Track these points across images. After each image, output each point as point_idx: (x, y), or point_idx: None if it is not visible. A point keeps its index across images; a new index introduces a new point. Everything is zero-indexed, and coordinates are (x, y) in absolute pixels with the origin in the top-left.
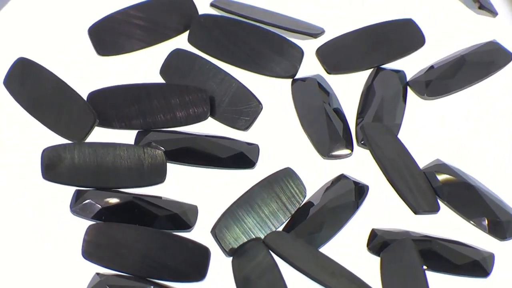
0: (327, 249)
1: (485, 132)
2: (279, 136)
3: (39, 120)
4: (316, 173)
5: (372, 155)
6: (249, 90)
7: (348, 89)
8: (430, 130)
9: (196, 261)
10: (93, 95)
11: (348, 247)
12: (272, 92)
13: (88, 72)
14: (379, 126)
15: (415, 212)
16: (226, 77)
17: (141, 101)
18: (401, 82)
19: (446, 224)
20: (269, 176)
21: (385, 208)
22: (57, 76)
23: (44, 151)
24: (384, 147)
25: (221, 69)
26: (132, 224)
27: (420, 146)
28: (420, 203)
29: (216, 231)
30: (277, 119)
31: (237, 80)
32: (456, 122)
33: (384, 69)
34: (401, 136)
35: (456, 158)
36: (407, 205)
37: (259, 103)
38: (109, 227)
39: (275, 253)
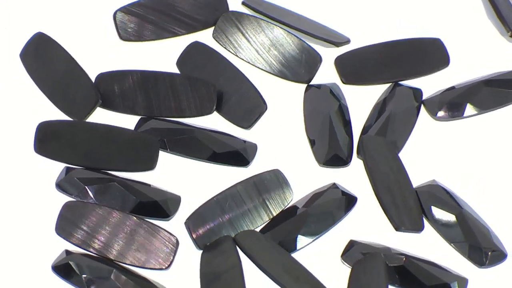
0: (302, 254)
1: (491, 162)
2: (281, 138)
3: (46, 95)
4: (310, 179)
5: (365, 167)
6: (257, 91)
7: (362, 100)
8: (436, 151)
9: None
10: (101, 76)
11: (324, 255)
12: (285, 95)
13: (105, 55)
14: (378, 140)
15: (396, 229)
16: (238, 75)
17: (148, 87)
18: (416, 99)
19: (431, 245)
20: (255, 175)
21: (371, 222)
22: (69, 55)
23: (39, 124)
24: (379, 161)
25: (235, 67)
26: (108, 207)
27: (422, 165)
28: (403, 220)
29: (190, 223)
30: (282, 122)
31: (248, 80)
32: (464, 147)
33: (401, 85)
34: (405, 153)
35: (456, 182)
36: (389, 220)
37: (264, 103)
38: (84, 206)
39: (243, 251)
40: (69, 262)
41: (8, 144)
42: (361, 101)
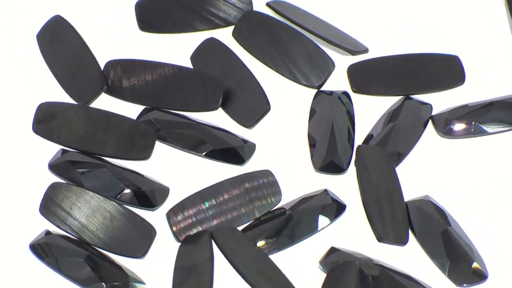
0: (281, 256)
1: (492, 185)
2: (282, 140)
3: (55, 77)
4: (304, 183)
5: (356, 176)
6: (262, 91)
7: (371, 110)
8: (437, 167)
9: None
10: (110, 63)
11: (303, 259)
12: (294, 99)
13: (123, 43)
14: (376, 151)
15: (379, 239)
16: (247, 75)
17: (155, 78)
18: (424, 114)
19: (415, 259)
20: (245, 173)
21: (358, 231)
22: (82, 40)
23: (40, 105)
24: (372, 171)
25: (245, 67)
26: (92, 193)
27: (421, 179)
28: (387, 232)
29: (171, 215)
30: (287, 125)
31: (256, 80)
32: (467, 166)
33: (411, 99)
34: (406, 166)
35: (451, 200)
36: (373, 231)
37: (268, 104)
38: (69, 189)
39: (219, 248)
40: (46, 242)
41: (11, 122)
42: (370, 111)
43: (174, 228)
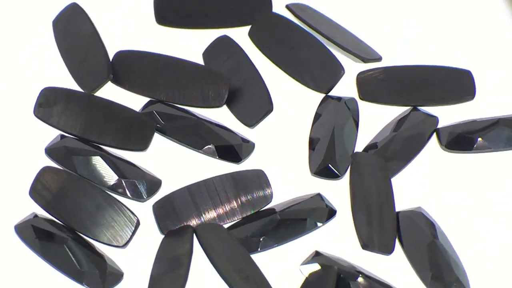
0: (265, 256)
1: (489, 202)
2: (283, 142)
3: (65, 64)
4: (299, 186)
5: (349, 182)
6: (267, 92)
7: (378, 119)
8: (435, 180)
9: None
10: (120, 54)
11: (286, 261)
12: (301, 102)
13: (137, 35)
14: (372, 158)
15: (362, 247)
16: (254, 75)
17: (163, 71)
18: (429, 127)
19: (401, 269)
20: (237, 171)
21: (347, 237)
22: (94, 29)
23: (43, 89)
24: (365, 178)
25: (255, 68)
26: (86, 180)
27: (417, 190)
28: (372, 239)
29: (156, 208)
30: (290, 127)
31: (262, 81)
32: (466, 181)
33: (418, 110)
34: (404, 175)
35: (445, 214)
36: (358, 237)
37: (271, 104)
38: (60, 174)
39: (200, 243)
40: (30, 224)
41: (15, 104)
42: (377, 119)
43: (159, 221)
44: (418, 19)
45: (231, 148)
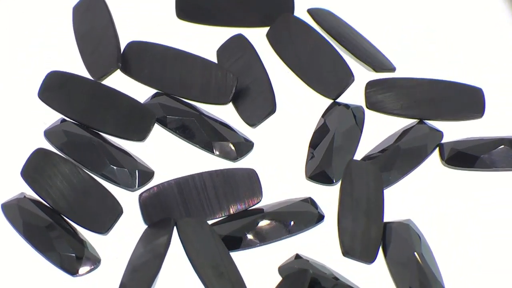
0: (245, 255)
1: (483, 222)
2: (284, 144)
3: (79, 50)
4: (292, 189)
5: (340, 189)
6: (272, 93)
7: (384, 129)
8: (431, 194)
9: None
10: (132, 44)
11: (266, 261)
12: (308, 106)
13: (155, 28)
14: (367, 167)
15: (343, 253)
16: (262, 76)
17: (172, 64)
18: (432, 141)
19: (381, 280)
20: (228, 168)
21: (332, 243)
22: (110, 17)
23: (49, 73)
24: (356, 186)
25: (264, 68)
26: (77, 165)
27: (411, 203)
28: (353, 247)
29: (142, 198)
30: (293, 129)
31: (269, 83)
32: (462, 198)
33: (424, 123)
34: (399, 187)
35: (435, 229)
36: (340, 244)
37: (274, 106)
38: (52, 157)
39: (179, 237)
40: (16, 204)
41: (25, 85)
42: (382, 129)
43: (144, 211)
44: (437, 32)
45: (228, 146)
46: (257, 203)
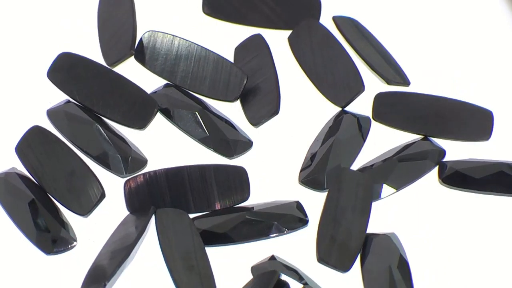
0: (220, 252)
1: (471, 245)
2: (284, 146)
3: (98, 35)
4: (284, 192)
5: (326, 195)
6: (278, 95)
7: (389, 142)
8: (422, 211)
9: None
10: (148, 34)
11: (241, 260)
12: (316, 111)
13: (179, 21)
14: (357, 176)
15: (318, 259)
16: (271, 77)
17: (185, 58)
18: (432, 157)
19: None
20: (218, 164)
21: (312, 248)
22: (132, 6)
23: (60, 53)
24: (343, 194)
25: (275, 70)
26: (70, 147)
27: (402, 218)
28: (330, 254)
29: (126, 184)
30: (296, 133)
31: (277, 84)
32: (454, 219)
33: (428, 140)
34: (390, 201)
35: (425, 246)
36: (316, 249)
37: (277, 107)
38: (47, 136)
39: (156, 227)
40: (2, 178)
41: (41, 63)
42: (388, 141)
43: (127, 198)
44: (460, 51)
45: (226, 143)
46: (243, 201)
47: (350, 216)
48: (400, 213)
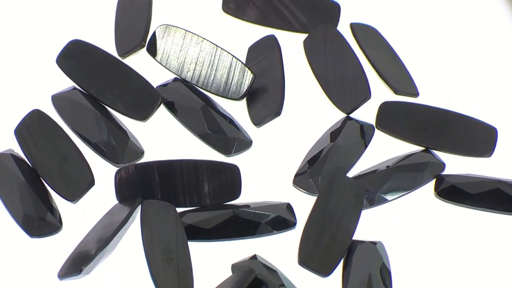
0: (203, 248)
1: (462, 261)
2: (283, 148)
3: (115, 26)
4: (277, 192)
5: (316, 199)
6: (282, 96)
7: (390, 152)
8: (415, 222)
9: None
10: (161, 28)
11: (226, 258)
12: (321, 115)
13: (198, 17)
14: (350, 182)
15: (298, 262)
16: (278, 78)
17: (196, 53)
18: (431, 170)
19: None
20: (212, 160)
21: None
22: (149, 2)
23: (71, 41)
24: (333, 199)
25: (282, 71)
26: (64, 132)
27: (393, 227)
28: (312, 257)
29: (117, 173)
30: (298, 136)
31: (283, 86)
32: (446, 233)
33: (430, 152)
34: (383, 209)
35: (413, 257)
36: (298, 252)
37: (280, 108)
38: (46, 120)
39: (140, 218)
40: None
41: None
42: (390, 150)
43: (117, 187)
44: (475, 65)
45: (225, 141)
46: (234, 199)
47: (338, 221)
48: (392, 222)
